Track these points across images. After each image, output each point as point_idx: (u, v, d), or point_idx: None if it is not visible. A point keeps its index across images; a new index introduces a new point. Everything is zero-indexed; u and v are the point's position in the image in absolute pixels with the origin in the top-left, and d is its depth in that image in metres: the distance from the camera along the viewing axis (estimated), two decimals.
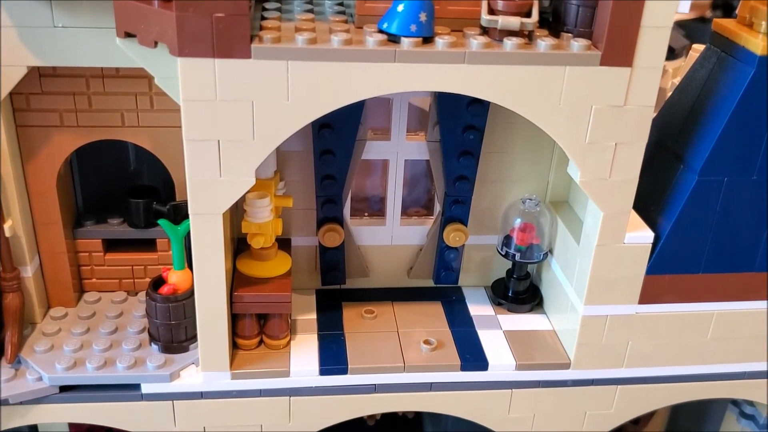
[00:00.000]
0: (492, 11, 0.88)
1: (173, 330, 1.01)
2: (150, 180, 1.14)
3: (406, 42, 0.84)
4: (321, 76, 0.84)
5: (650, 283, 1.02)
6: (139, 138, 1.04)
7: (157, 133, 1.03)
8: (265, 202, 1.00)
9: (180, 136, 0.87)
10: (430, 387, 1.06)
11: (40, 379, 0.99)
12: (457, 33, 0.88)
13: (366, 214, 1.18)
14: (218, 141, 0.86)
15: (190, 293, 0.99)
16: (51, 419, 1.01)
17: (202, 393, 1.02)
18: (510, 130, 1.10)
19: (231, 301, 1.00)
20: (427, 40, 0.86)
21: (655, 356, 1.09)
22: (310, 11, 0.94)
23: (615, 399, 1.12)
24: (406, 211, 1.18)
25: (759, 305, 1.08)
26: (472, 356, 1.07)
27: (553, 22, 0.93)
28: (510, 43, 0.86)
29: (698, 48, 1.22)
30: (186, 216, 0.93)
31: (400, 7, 0.84)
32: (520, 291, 1.18)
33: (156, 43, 0.83)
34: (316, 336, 1.09)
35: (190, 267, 0.98)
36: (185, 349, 1.03)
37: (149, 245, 1.12)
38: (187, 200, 0.90)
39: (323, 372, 1.03)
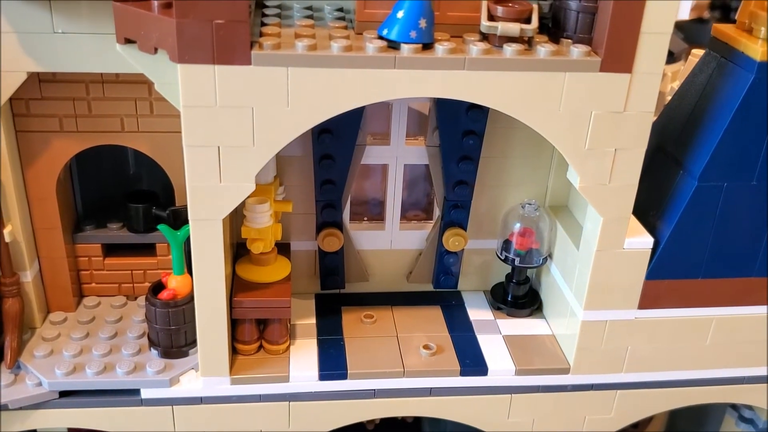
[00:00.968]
0: (492, 17, 0.88)
1: (173, 335, 1.01)
2: (149, 185, 1.14)
3: (405, 48, 0.84)
4: (321, 83, 0.84)
5: (650, 288, 1.02)
6: (138, 143, 1.04)
7: (156, 139, 1.03)
8: (264, 207, 1.00)
9: (179, 141, 0.87)
10: (429, 392, 1.06)
11: (40, 384, 0.99)
12: (457, 39, 0.88)
13: (365, 218, 1.18)
14: (218, 147, 0.86)
15: (190, 298, 0.99)
16: (50, 424, 1.01)
17: (201, 398, 1.02)
18: (509, 135, 1.10)
19: (230, 306, 1.00)
20: (427, 46, 0.86)
21: (655, 361, 1.09)
22: (310, 17, 0.94)
23: (614, 404, 1.12)
24: (405, 216, 1.18)
25: (758, 310, 1.08)
26: (472, 361, 1.07)
27: (553, 28, 0.93)
28: (510, 49, 0.86)
29: (697, 53, 1.22)
30: (185, 221, 0.93)
31: (400, 14, 0.84)
32: (519, 296, 1.18)
33: (156, 50, 0.83)
34: (315, 341, 1.09)
35: (190, 272, 0.98)
36: (185, 355, 1.03)
37: (149, 250, 1.12)
38: (186, 205, 0.90)
39: (323, 377, 1.03)
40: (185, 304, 1.00)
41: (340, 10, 0.98)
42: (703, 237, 1.01)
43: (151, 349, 1.03)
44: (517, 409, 1.10)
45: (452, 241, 1.14)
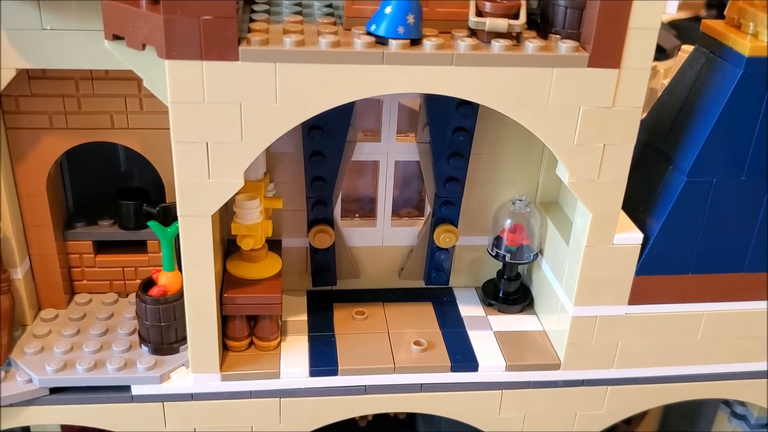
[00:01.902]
0: (480, 13, 0.88)
1: (163, 332, 1.01)
2: (140, 182, 1.14)
3: (393, 44, 0.84)
4: (309, 78, 0.84)
5: (640, 283, 1.03)
6: (128, 140, 1.04)
7: (146, 135, 1.03)
8: (254, 203, 1.00)
9: (169, 137, 0.86)
10: (420, 388, 1.07)
11: (30, 380, 0.99)
12: (445, 35, 0.88)
13: (356, 215, 1.18)
14: (206, 143, 0.86)
15: (180, 295, 0.99)
16: (41, 421, 1.01)
17: (192, 395, 1.02)
18: (500, 131, 1.11)
19: (221, 303, 1.00)
20: (415, 42, 0.86)
21: (645, 357, 1.09)
22: (299, 13, 0.94)
23: (605, 399, 1.12)
24: (396, 213, 1.18)
25: (748, 306, 1.08)
26: (463, 357, 1.07)
27: (541, 24, 0.93)
28: (498, 44, 0.86)
29: (687, 49, 1.22)
30: (176, 218, 0.93)
31: (388, 9, 0.84)
32: (510, 292, 1.18)
33: (144, 46, 0.83)
34: (306, 337, 1.09)
35: (180, 268, 0.98)
36: (175, 351, 1.03)
37: (140, 247, 1.12)
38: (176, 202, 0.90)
39: (314, 373, 1.03)
40: (175, 301, 1.00)
41: (329, 6, 0.98)
42: (692, 232, 1.02)
43: (142, 345, 1.03)
44: (507, 405, 1.10)
45: (443, 237, 1.14)
